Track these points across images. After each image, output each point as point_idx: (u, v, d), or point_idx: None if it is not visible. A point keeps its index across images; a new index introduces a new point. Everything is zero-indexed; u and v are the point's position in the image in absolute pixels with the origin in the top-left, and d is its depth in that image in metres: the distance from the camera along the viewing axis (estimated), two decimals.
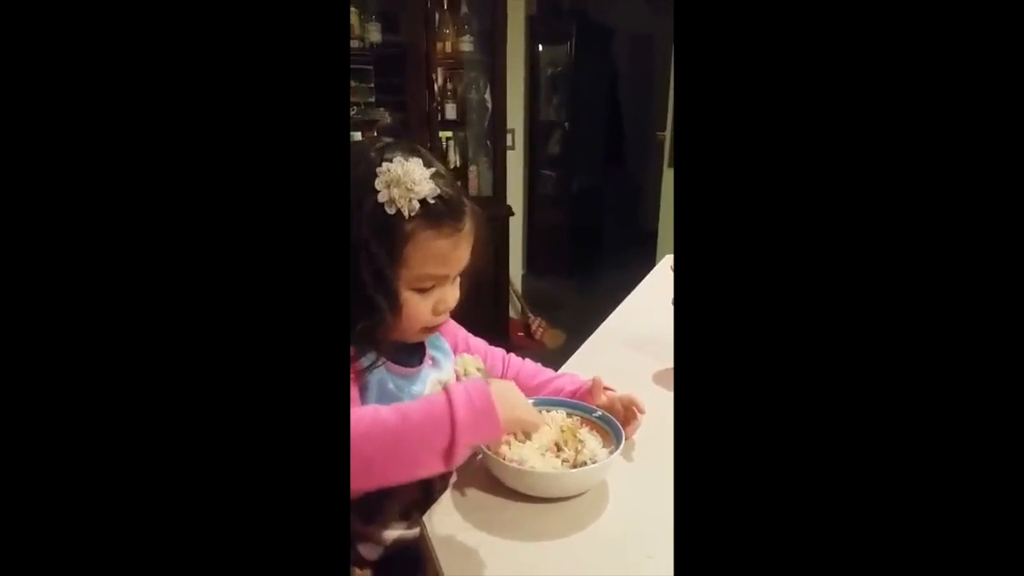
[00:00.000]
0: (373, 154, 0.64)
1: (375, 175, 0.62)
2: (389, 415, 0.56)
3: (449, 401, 0.56)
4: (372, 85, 2.32)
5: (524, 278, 3.28)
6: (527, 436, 0.69)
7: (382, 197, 0.62)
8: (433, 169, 0.64)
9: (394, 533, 0.72)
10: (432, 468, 0.57)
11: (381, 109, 2.32)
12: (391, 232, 0.63)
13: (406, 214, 0.62)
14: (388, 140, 0.69)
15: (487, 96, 2.51)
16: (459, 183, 0.70)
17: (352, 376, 0.66)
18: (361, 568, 0.72)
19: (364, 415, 0.56)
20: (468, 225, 0.67)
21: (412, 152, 0.65)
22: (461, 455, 0.57)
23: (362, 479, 0.54)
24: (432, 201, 0.63)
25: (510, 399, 0.61)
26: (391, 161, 0.62)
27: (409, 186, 0.62)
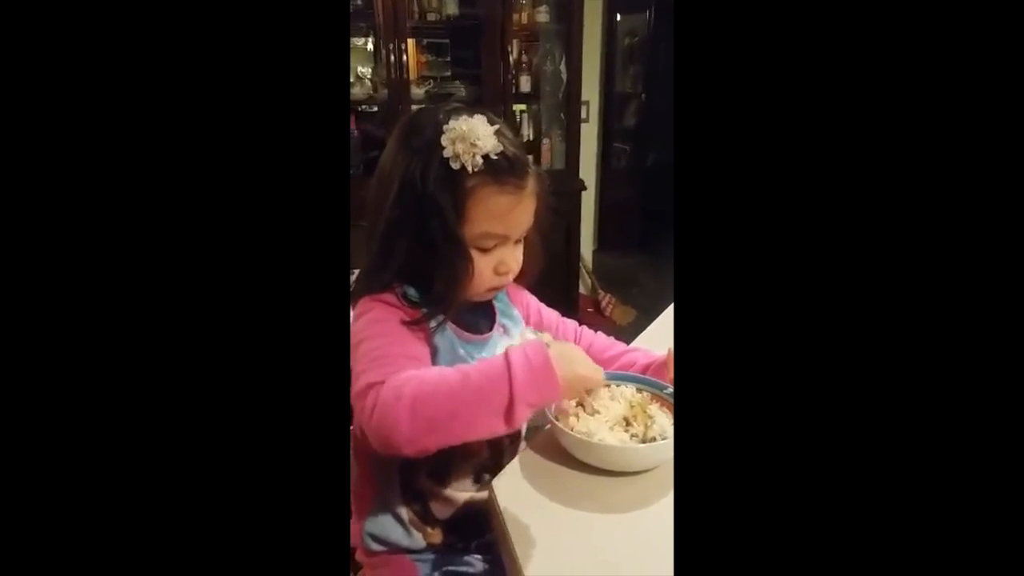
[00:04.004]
0: (441, 116, 0.66)
1: (442, 134, 0.64)
2: (451, 375, 0.58)
3: (508, 362, 0.57)
4: (448, 59, 2.34)
5: (595, 254, 3.24)
6: (595, 409, 0.69)
7: (447, 152, 0.64)
8: (497, 127, 0.65)
9: (465, 495, 0.75)
10: (494, 428, 0.58)
11: (456, 82, 2.33)
12: (455, 187, 0.65)
13: (470, 169, 0.64)
14: (456, 105, 0.70)
15: (562, 67, 2.47)
16: (530, 154, 0.70)
17: (423, 336, 0.68)
18: (432, 527, 0.75)
19: (429, 376, 0.58)
20: (531, 186, 0.68)
21: (477, 111, 0.67)
22: (522, 415, 0.57)
23: (426, 438, 0.56)
24: (495, 157, 0.64)
25: (570, 357, 0.61)
26: (457, 119, 0.64)
27: (473, 141, 0.63)
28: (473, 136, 0.63)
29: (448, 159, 0.64)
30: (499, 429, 0.58)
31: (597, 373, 0.65)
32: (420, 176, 0.65)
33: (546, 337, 0.78)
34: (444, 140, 0.64)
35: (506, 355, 0.58)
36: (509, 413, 0.56)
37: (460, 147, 0.64)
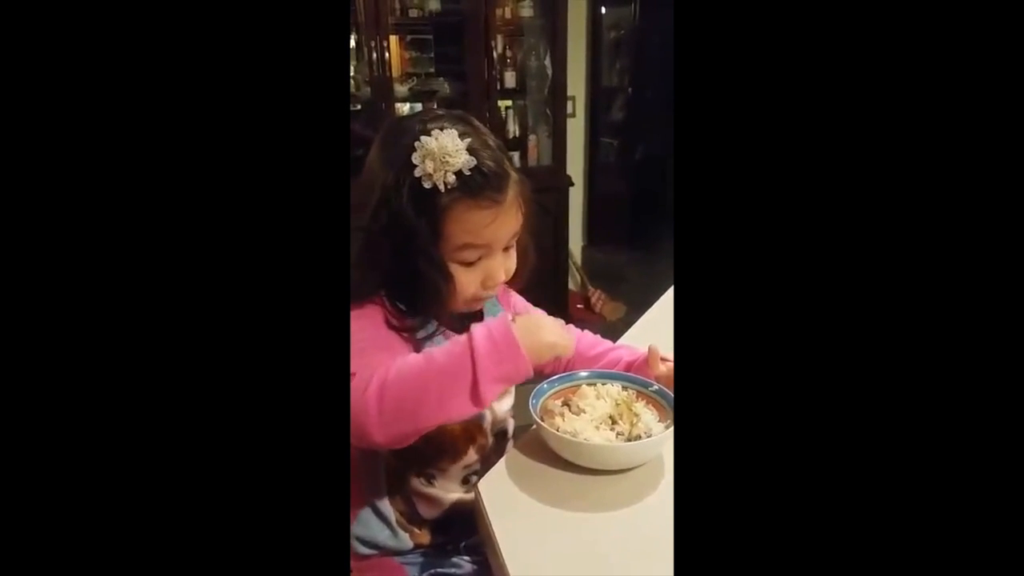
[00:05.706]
0: (418, 127, 0.64)
1: (414, 150, 0.62)
2: (416, 359, 0.57)
3: (470, 338, 0.57)
4: (431, 55, 2.32)
5: (584, 250, 3.23)
6: (581, 408, 0.68)
7: (418, 172, 0.62)
8: (468, 140, 0.63)
9: (453, 495, 0.74)
10: (462, 409, 0.57)
11: (440, 79, 2.32)
12: (429, 206, 0.63)
13: (441, 187, 0.62)
14: (437, 112, 0.68)
15: (547, 62, 2.45)
16: (503, 153, 0.68)
17: (408, 339, 0.67)
18: (420, 528, 0.74)
19: (396, 363, 0.57)
20: (511, 196, 0.66)
21: (457, 122, 0.65)
22: (489, 393, 0.56)
23: (396, 425, 0.55)
24: (468, 173, 0.62)
25: (536, 326, 0.60)
26: (429, 134, 0.62)
27: (443, 159, 0.61)
28: (443, 153, 0.61)
29: (420, 178, 0.62)
30: (468, 410, 0.57)
31: (565, 339, 0.63)
32: (394, 194, 0.63)
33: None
34: (415, 158, 0.62)
35: (469, 332, 0.57)
36: (475, 392, 0.56)
37: (430, 165, 0.62)
